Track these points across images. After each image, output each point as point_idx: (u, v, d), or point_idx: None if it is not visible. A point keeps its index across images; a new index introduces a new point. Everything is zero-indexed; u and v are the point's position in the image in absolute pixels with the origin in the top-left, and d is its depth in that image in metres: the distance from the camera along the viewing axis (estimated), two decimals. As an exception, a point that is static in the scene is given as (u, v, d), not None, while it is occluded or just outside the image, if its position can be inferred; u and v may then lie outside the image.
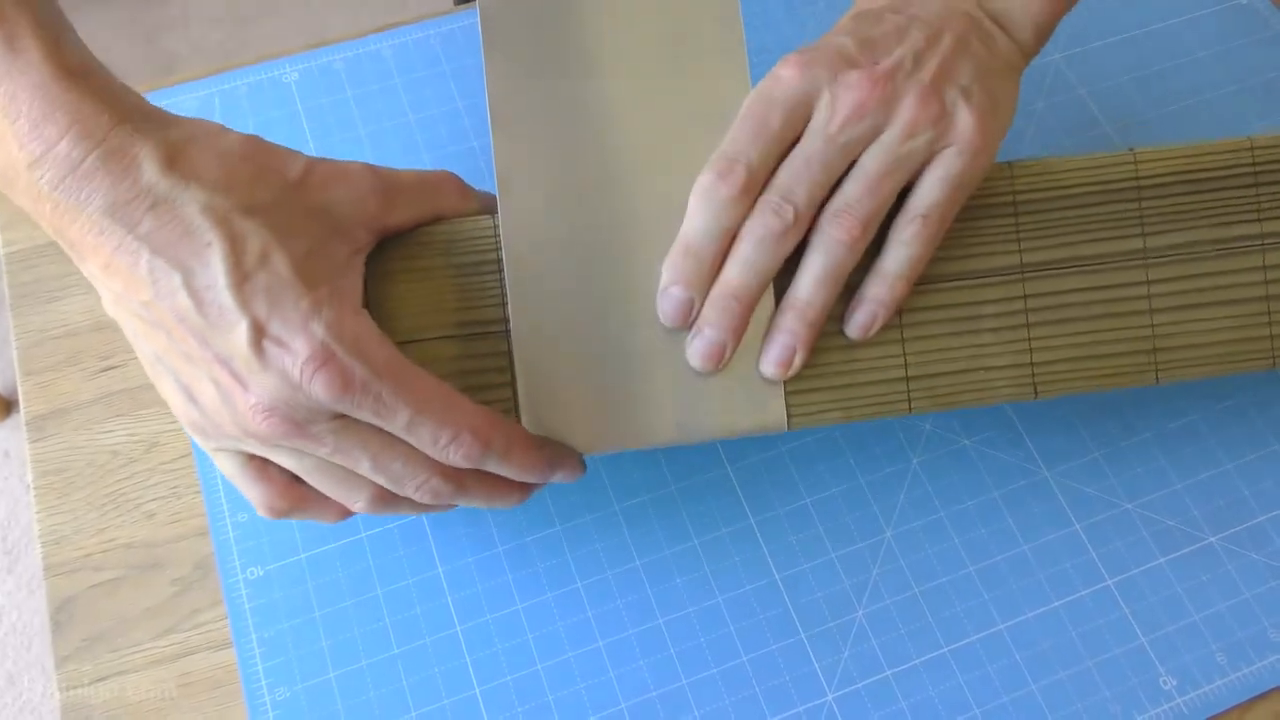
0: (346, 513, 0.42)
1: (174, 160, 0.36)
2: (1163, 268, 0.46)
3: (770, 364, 0.42)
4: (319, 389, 0.36)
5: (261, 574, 0.49)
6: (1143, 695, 0.47)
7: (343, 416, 0.37)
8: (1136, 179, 0.45)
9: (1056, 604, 0.49)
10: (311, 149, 0.59)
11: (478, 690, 0.47)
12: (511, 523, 0.50)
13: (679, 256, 0.41)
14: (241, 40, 1.45)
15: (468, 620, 0.48)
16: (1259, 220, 0.46)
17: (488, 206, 0.43)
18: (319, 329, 0.36)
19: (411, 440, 0.38)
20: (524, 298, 0.42)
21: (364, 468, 0.39)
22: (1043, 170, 0.45)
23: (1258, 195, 0.46)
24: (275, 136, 0.59)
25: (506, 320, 0.42)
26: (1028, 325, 0.45)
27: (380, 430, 0.38)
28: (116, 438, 0.52)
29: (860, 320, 0.42)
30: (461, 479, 0.40)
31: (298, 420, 0.37)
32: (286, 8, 1.45)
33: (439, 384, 0.39)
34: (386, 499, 0.41)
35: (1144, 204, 0.45)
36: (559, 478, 0.42)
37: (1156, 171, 0.45)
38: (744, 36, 0.43)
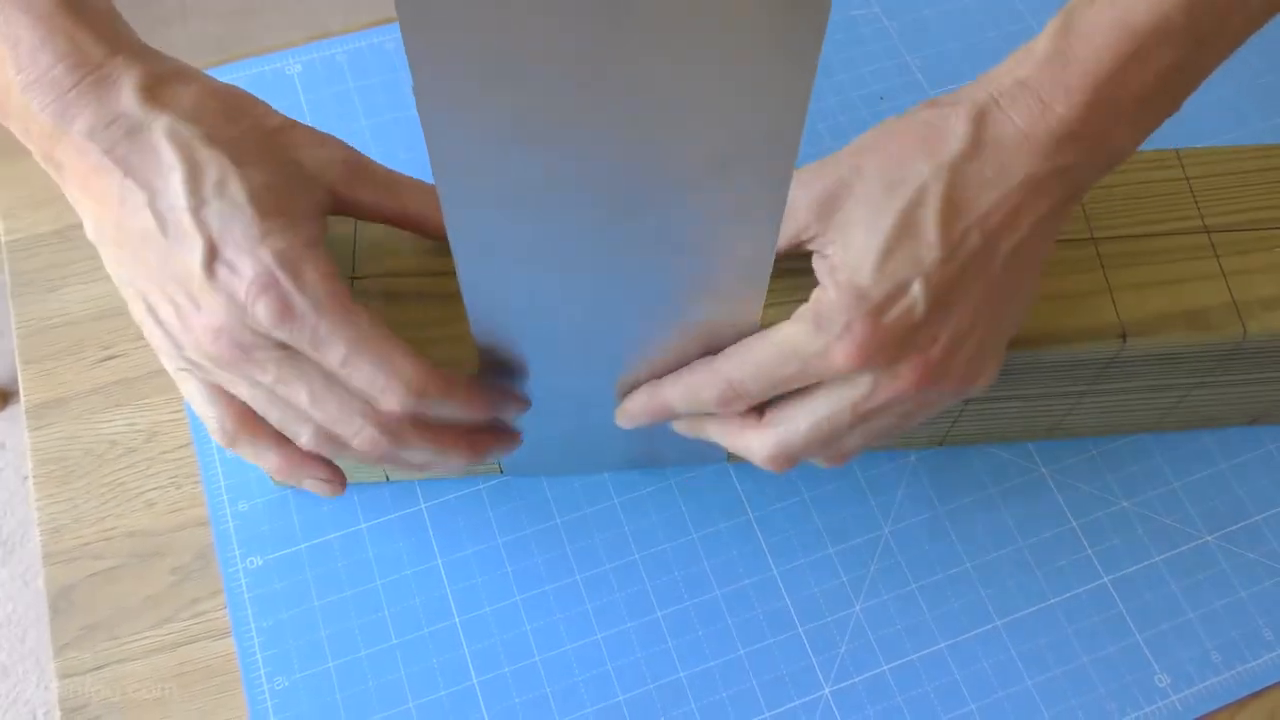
0: (290, 457, 0.42)
1: (153, 90, 0.38)
2: (1094, 399, 0.48)
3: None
4: (260, 313, 0.37)
5: (261, 564, 0.49)
6: (1137, 692, 0.47)
7: (286, 347, 0.38)
8: (1116, 356, 0.44)
9: (1053, 601, 0.49)
10: (314, 141, 0.59)
11: (476, 681, 0.47)
12: (511, 515, 0.50)
13: (650, 409, 0.42)
14: (242, 34, 1.45)
15: (466, 612, 0.48)
16: (1202, 375, 0.47)
17: None
18: (266, 255, 0.37)
19: (347, 381, 0.38)
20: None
21: (303, 401, 0.39)
22: (1029, 353, 0.43)
23: (1213, 367, 0.46)
24: (277, 128, 0.60)
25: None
26: (954, 422, 0.49)
27: (321, 367, 0.39)
28: (116, 427, 0.52)
29: None
30: (400, 433, 0.40)
31: (243, 344, 0.38)
32: (287, 2, 1.44)
33: (382, 330, 0.38)
34: (331, 438, 0.40)
35: (1107, 369, 0.45)
36: (507, 414, 0.43)
37: (1135, 354, 0.44)
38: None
